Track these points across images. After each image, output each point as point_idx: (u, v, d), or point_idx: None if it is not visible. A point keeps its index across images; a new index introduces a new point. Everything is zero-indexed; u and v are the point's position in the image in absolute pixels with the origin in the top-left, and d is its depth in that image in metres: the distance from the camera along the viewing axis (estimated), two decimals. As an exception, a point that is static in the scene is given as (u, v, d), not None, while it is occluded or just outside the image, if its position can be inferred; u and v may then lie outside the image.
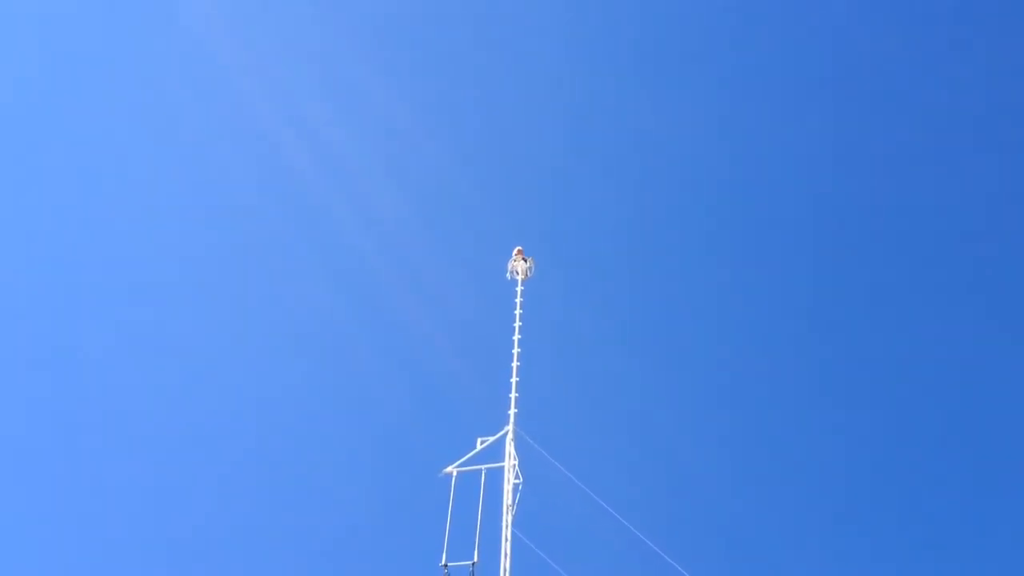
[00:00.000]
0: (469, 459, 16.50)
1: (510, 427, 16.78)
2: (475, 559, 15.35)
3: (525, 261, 19.41)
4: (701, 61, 35.97)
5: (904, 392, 32.21)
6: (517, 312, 18.43)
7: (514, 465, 16.21)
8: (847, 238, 34.38)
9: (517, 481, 16.05)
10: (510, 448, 16.48)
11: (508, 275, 19.43)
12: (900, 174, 34.16)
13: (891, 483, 30.53)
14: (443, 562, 15.45)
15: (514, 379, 17.31)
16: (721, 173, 35.04)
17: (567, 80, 36.10)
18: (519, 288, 18.95)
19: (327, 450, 30.79)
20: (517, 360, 17.55)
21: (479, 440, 16.73)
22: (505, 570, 15.18)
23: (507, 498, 15.91)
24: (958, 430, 31.42)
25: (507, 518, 15.68)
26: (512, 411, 16.95)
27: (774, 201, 34.97)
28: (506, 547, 15.40)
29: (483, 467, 16.35)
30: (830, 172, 34.86)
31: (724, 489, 29.30)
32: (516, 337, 17.93)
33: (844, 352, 33.03)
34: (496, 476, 16.24)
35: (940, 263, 33.92)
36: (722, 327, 33.37)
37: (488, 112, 36.04)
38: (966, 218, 33.96)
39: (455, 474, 16.38)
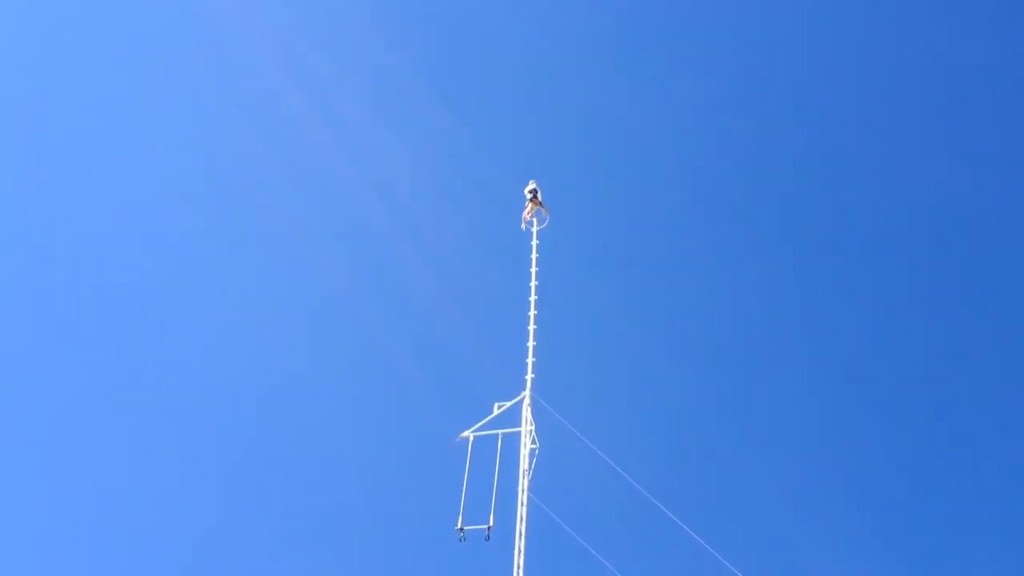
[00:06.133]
0: (486, 424, 16.56)
1: (527, 392, 16.78)
2: (491, 523, 15.47)
3: (538, 204, 18.87)
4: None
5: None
6: (533, 257, 18.13)
7: (530, 430, 16.23)
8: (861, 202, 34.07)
9: (533, 446, 16.07)
10: (527, 413, 16.49)
11: (523, 225, 19.07)
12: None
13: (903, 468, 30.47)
14: (459, 525, 15.56)
15: (531, 343, 17.28)
16: (744, 134, 34.71)
17: (588, 39, 35.72)
18: (535, 243, 18.61)
19: (345, 415, 30.95)
20: (534, 323, 17.51)
21: (496, 405, 16.76)
22: (520, 534, 15.26)
23: (523, 463, 15.96)
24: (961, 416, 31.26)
25: (523, 483, 15.75)
26: (529, 376, 16.96)
27: (799, 164, 34.63)
28: (522, 511, 15.48)
29: (500, 432, 16.40)
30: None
31: (740, 455, 29.31)
32: (533, 284, 17.72)
33: (872, 322, 32.81)
34: (512, 441, 16.29)
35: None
36: (743, 293, 33.18)
37: (495, 70, 35.73)
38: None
39: (472, 439, 16.44)
